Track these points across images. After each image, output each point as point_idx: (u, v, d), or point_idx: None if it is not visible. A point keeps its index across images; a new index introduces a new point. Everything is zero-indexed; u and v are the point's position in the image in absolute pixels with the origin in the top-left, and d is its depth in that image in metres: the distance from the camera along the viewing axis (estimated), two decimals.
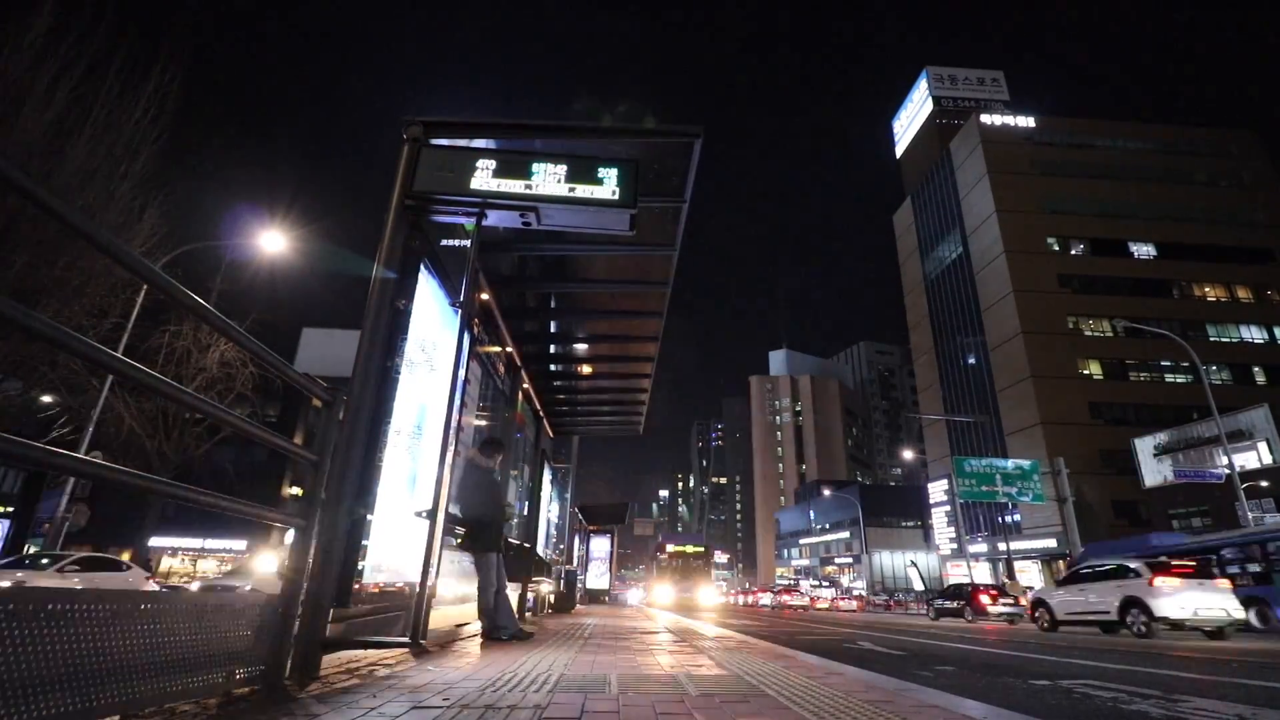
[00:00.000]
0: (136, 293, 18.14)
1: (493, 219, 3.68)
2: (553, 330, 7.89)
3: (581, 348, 8.27)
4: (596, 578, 26.03)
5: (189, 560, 37.93)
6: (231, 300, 24.19)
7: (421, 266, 3.61)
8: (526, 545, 9.05)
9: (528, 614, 9.28)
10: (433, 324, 3.99)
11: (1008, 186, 51.83)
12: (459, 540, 5.12)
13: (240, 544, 36.40)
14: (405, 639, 2.90)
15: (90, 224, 1.74)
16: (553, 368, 8.74)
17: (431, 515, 3.10)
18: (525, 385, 8.18)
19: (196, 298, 2.09)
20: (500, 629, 4.94)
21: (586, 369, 8.79)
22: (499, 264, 6.00)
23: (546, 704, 2.28)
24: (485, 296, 5.73)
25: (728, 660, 3.98)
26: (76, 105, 16.15)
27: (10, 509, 30.15)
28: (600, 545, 26.19)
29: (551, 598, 12.26)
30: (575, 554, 20.75)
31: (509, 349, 7.00)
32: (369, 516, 3.08)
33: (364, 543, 3.06)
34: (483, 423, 7.32)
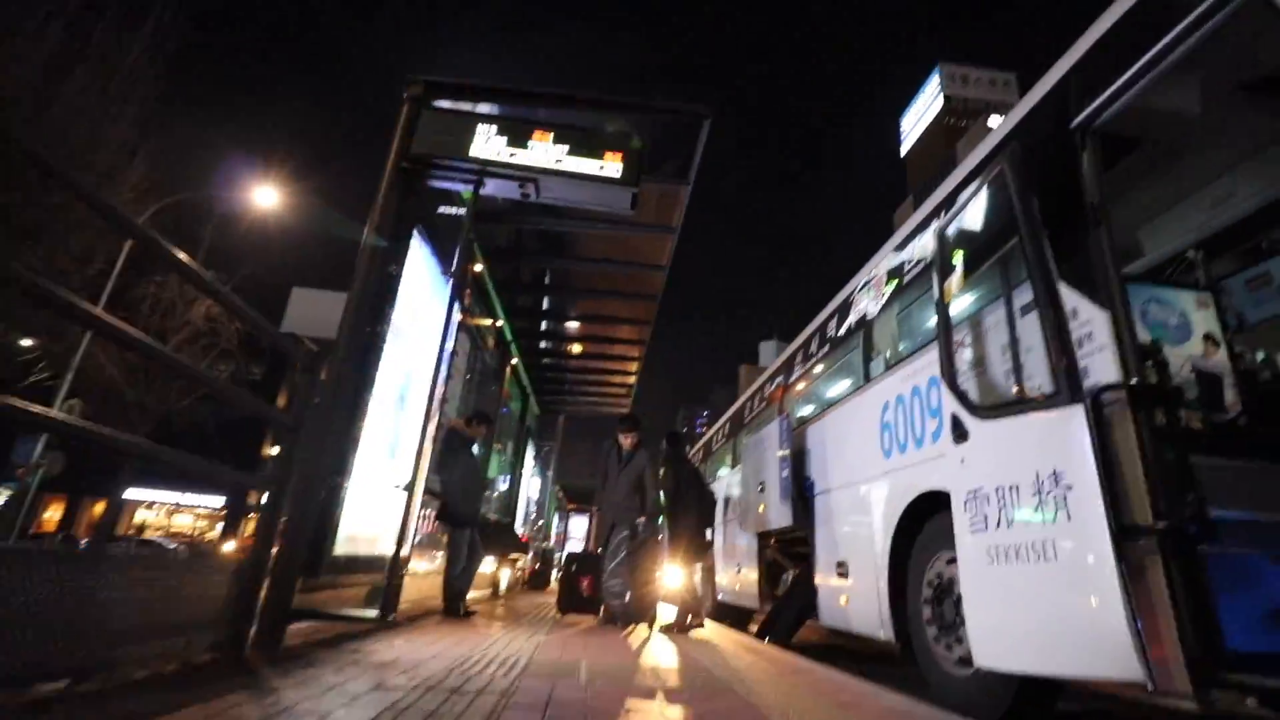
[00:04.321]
0: (123, 241, 17.77)
1: (491, 188, 3.56)
2: (545, 307, 7.78)
3: (573, 326, 8.17)
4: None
5: (164, 514, 37.69)
6: (222, 254, 23.74)
7: (415, 232, 3.50)
8: (506, 521, 9.02)
9: (501, 591, 9.28)
10: (423, 292, 3.88)
11: None
12: (435, 513, 5.06)
13: (218, 500, 36.14)
14: (374, 613, 2.85)
15: (72, 174, 1.62)
16: (543, 345, 8.64)
17: (410, 488, 3.02)
18: (514, 360, 8.08)
19: (178, 253, 1.98)
20: (458, 596, 4.90)
21: (577, 348, 8.70)
22: (494, 236, 5.87)
23: (514, 689, 2.23)
24: (479, 268, 5.60)
25: (696, 651, 3.96)
26: (73, 41, 15.65)
27: None
28: (578, 525, 26.27)
29: (526, 575, 12.27)
30: (554, 532, 20.76)
31: (499, 323, 6.89)
32: (345, 485, 2.99)
33: (338, 511, 2.97)
34: (467, 394, 7.22)
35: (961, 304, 3.36)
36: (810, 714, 2.21)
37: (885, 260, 4.89)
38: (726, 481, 8.88)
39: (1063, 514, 2.37)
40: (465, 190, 3.53)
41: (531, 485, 13.47)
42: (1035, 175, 2.89)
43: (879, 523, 4.26)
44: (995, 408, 2.86)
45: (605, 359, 9.09)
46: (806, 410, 6.33)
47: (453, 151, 3.40)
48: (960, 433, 3.06)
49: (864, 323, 4.98)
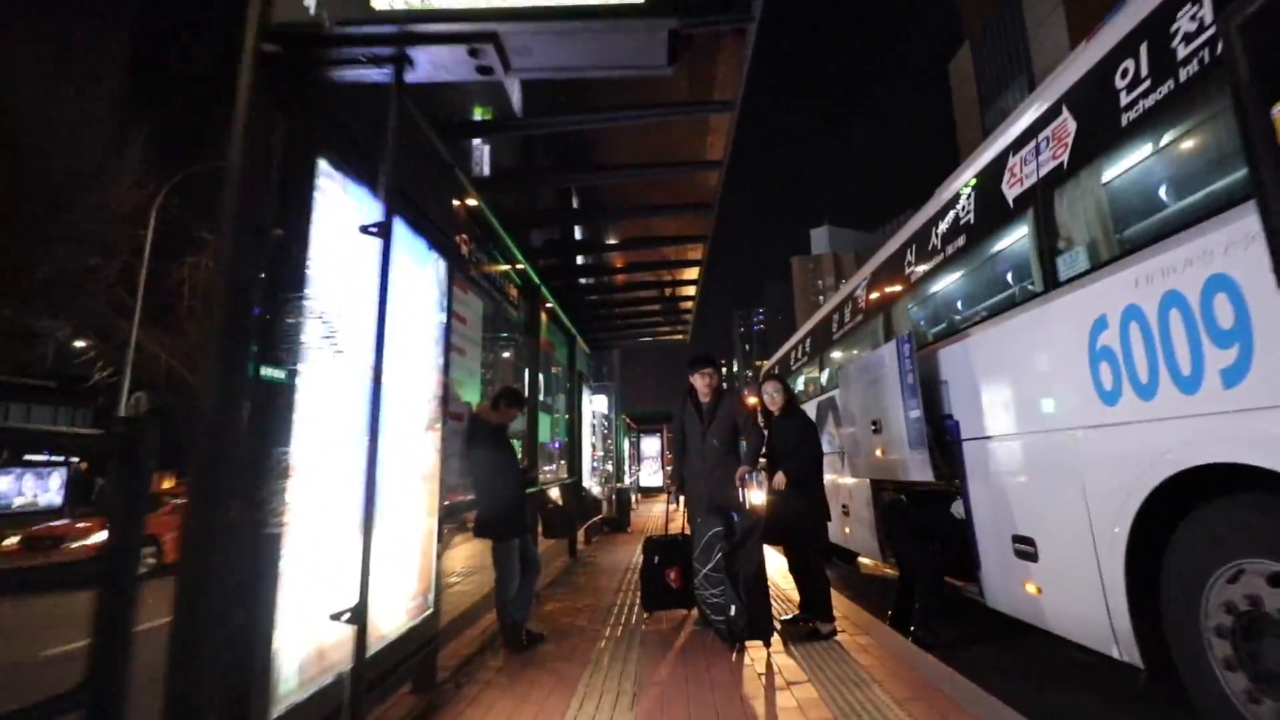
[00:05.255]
0: (143, 227, 17.14)
1: (425, 66, 2.11)
2: (576, 237, 6.34)
3: (615, 254, 6.73)
4: (649, 475, 26.12)
5: None
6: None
7: (322, 165, 2.11)
8: (569, 481, 8.06)
9: (579, 549, 8.50)
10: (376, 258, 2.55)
11: (1087, 15, 44.70)
12: (474, 527, 3.99)
13: None
14: None
15: None
16: (582, 281, 7.25)
17: (359, 615, 1.83)
18: (549, 304, 6.77)
19: None
20: (516, 626, 3.90)
21: (622, 279, 7.28)
22: (495, 156, 4.42)
23: None
24: (474, 203, 4.20)
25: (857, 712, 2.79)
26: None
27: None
28: (650, 444, 26.21)
29: (602, 519, 11.54)
30: (626, 460, 20.24)
31: (519, 266, 5.53)
32: (271, 616, 1.82)
33: (266, 650, 1.82)
34: (504, 367, 6.06)
35: None
36: None
37: (1075, 79, 3.13)
38: (813, 409, 7.51)
39: None
40: (381, 77, 2.09)
41: (594, 428, 12.47)
42: None
43: (1105, 497, 2.83)
44: None
45: (657, 286, 7.66)
46: (936, 323, 4.79)
47: (344, 10, 1.94)
48: None
49: (1041, 192, 3.32)
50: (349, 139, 2.27)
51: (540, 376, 6.29)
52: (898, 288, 5.25)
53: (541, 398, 6.75)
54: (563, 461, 8.16)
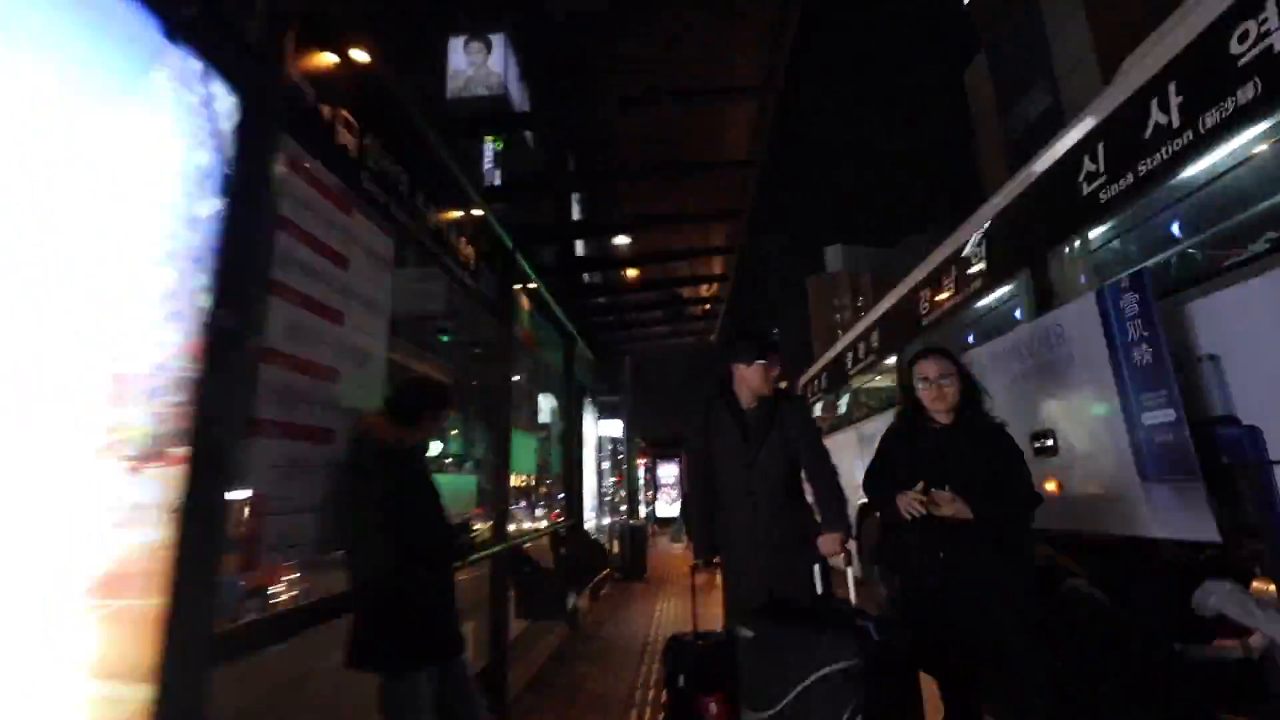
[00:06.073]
0: None
1: None
2: (569, 195, 4.56)
3: (626, 224, 4.93)
4: (667, 506, 24.51)
5: None
6: None
7: None
8: (564, 529, 6.13)
9: (580, 601, 6.56)
10: None
11: (1108, 11, 43.05)
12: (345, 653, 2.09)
13: None
14: None
15: None
16: (581, 248, 5.44)
17: None
18: (531, 284, 4.96)
19: None
20: None
21: (630, 249, 5.45)
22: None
23: None
24: (364, 57, 2.39)
25: None
26: None
27: None
28: (667, 471, 24.80)
29: (617, 567, 9.57)
30: (642, 493, 18.29)
31: (477, 212, 3.72)
32: None
33: None
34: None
35: None
36: None
37: None
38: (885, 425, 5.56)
39: None
40: None
41: (607, 426, 10.56)
42: None
43: None
44: None
45: (681, 260, 5.82)
46: (1166, 257, 2.87)
47: None
48: None
49: None
50: None
51: (515, 380, 4.43)
52: (1068, 217, 3.31)
53: (536, 415, 4.90)
54: (547, 501, 6.26)
